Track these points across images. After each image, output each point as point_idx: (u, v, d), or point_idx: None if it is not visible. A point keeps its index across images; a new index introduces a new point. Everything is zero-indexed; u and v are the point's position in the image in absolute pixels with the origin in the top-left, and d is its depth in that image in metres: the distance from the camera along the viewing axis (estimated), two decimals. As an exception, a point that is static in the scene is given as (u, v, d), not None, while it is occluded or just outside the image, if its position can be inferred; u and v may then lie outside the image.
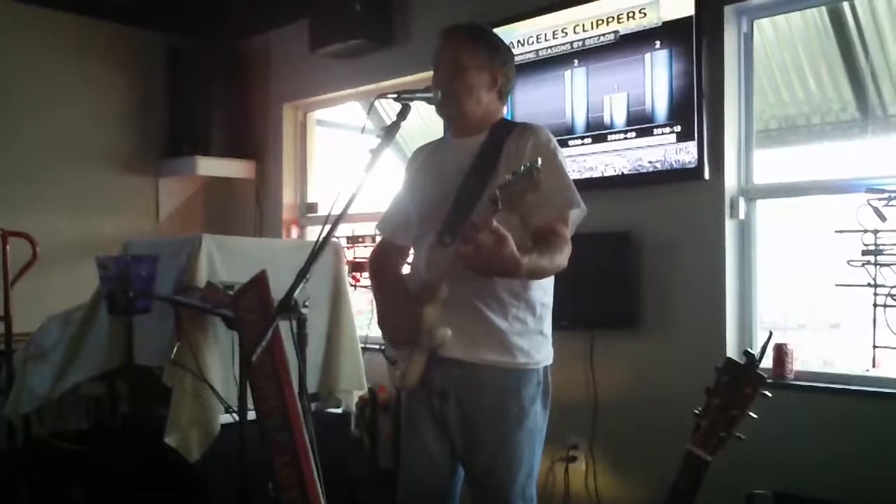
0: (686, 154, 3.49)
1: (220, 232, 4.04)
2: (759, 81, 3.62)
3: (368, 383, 3.98)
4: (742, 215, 3.52)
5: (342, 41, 4.70)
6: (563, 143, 3.76)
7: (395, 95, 2.31)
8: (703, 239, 3.53)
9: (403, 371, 2.41)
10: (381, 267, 2.66)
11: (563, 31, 3.90)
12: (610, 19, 3.73)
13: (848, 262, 3.13)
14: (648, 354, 3.66)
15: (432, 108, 2.43)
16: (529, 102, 4.00)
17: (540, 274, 2.25)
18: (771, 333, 1.76)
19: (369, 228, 4.59)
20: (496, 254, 1.95)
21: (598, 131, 3.78)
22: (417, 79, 4.31)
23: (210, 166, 5.45)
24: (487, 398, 2.37)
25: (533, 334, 2.40)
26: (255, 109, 5.65)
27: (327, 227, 2.09)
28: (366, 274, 4.51)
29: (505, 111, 2.56)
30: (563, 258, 2.26)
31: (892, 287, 3.07)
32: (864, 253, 3.11)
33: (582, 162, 3.80)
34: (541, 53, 3.98)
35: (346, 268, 4.00)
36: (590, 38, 3.80)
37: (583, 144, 3.82)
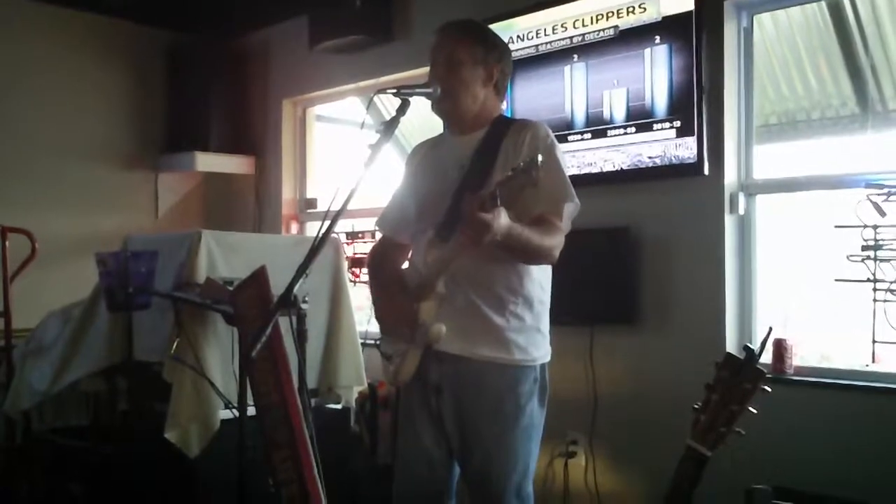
0: (686, 149, 3.49)
1: (220, 228, 4.04)
2: (759, 76, 3.62)
3: (368, 379, 3.98)
4: (742, 210, 3.52)
5: (341, 36, 4.70)
6: (563, 139, 3.76)
7: (394, 90, 2.32)
8: (702, 234, 3.53)
9: (397, 366, 2.41)
10: (381, 264, 2.66)
11: (562, 27, 3.89)
12: (609, 14, 3.72)
13: (847, 257, 3.13)
14: (648, 350, 3.66)
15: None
16: (529, 98, 3.99)
17: (526, 244, 2.23)
18: (770, 328, 1.77)
19: (369, 224, 4.59)
20: (495, 223, 2.01)
21: (597, 126, 3.77)
22: (417, 74, 4.30)
23: (209, 162, 5.45)
24: (483, 395, 2.37)
25: (530, 331, 2.40)
26: (255, 105, 5.64)
27: (327, 222, 2.09)
28: (365, 269, 4.51)
29: (504, 107, 2.57)
30: (553, 242, 2.27)
31: (891, 282, 3.07)
32: (864, 248, 3.11)
33: (581, 157, 3.79)
34: (540, 49, 3.98)
35: (345, 263, 3.99)
36: (589, 33, 3.80)
37: (582, 140, 3.82)
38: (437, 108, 2.44)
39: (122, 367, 3.53)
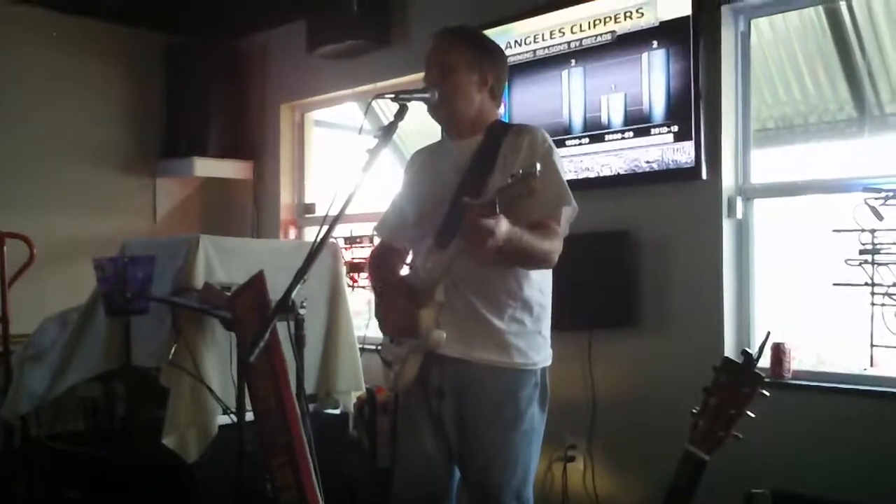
0: (683, 154, 3.49)
1: (218, 232, 4.03)
2: (757, 81, 3.62)
3: (366, 384, 3.98)
4: (739, 215, 3.53)
5: (339, 41, 4.70)
6: (561, 143, 3.76)
7: (392, 95, 2.32)
8: (700, 238, 3.53)
9: (398, 372, 2.41)
10: (380, 267, 2.67)
11: (560, 31, 3.90)
12: (607, 19, 3.73)
13: (845, 261, 3.13)
14: (646, 354, 3.66)
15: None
16: (526, 102, 4.00)
17: (526, 250, 2.24)
18: (769, 333, 1.77)
19: (367, 229, 4.59)
20: (496, 229, 2.03)
21: (595, 131, 3.78)
22: (415, 79, 4.30)
23: (207, 167, 5.45)
24: (484, 399, 2.37)
25: (531, 335, 2.40)
26: (253, 110, 5.64)
27: (325, 227, 2.09)
28: (363, 275, 4.52)
29: (500, 112, 2.57)
30: (551, 247, 2.28)
31: (889, 286, 3.07)
32: (862, 252, 3.11)
33: (579, 162, 3.79)
34: (538, 53, 3.98)
35: (343, 268, 4.00)
36: (587, 37, 3.80)
37: (580, 144, 3.82)
38: (434, 112, 2.45)
39: (119, 372, 3.53)
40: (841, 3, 3.44)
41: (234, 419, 2.92)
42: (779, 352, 3.32)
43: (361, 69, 4.88)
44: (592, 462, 3.80)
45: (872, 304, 3.10)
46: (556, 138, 2.52)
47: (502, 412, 2.36)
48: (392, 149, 4.78)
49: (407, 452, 2.52)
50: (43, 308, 4.11)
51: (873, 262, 3.09)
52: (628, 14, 3.66)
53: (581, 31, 3.82)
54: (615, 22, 3.70)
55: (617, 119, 3.71)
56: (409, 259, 2.65)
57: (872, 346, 3.12)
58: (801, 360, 3.39)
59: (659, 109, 3.57)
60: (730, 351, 3.43)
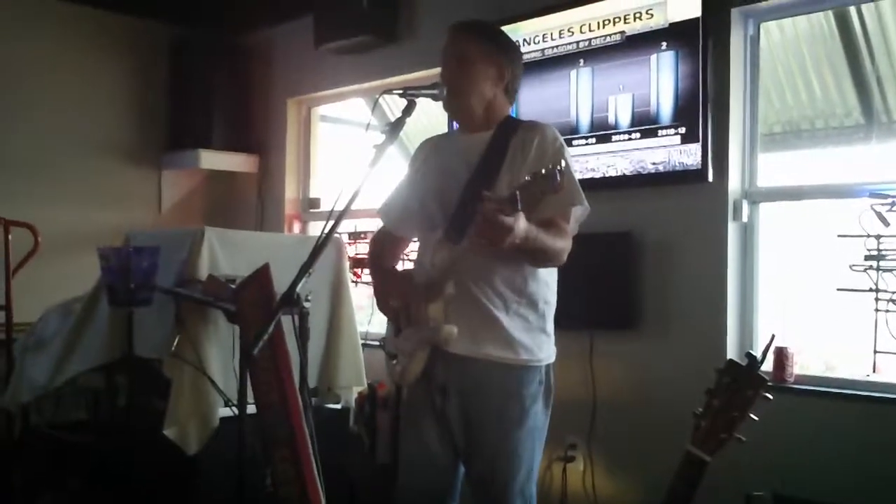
0: (690, 156, 3.49)
1: (222, 225, 4.03)
2: (765, 85, 3.62)
3: (368, 379, 3.97)
4: (745, 218, 3.52)
5: (347, 37, 4.70)
6: (568, 143, 3.72)
7: (400, 92, 2.32)
8: (705, 241, 3.52)
9: (404, 366, 2.41)
10: (382, 252, 2.68)
11: (569, 31, 3.90)
12: (616, 20, 3.73)
13: (850, 266, 3.13)
14: (648, 355, 3.66)
15: (437, 105, 2.44)
16: (534, 101, 3.99)
17: (540, 248, 2.23)
18: (773, 336, 1.77)
19: (371, 225, 4.59)
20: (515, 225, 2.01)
21: (602, 131, 3.77)
22: (422, 75, 4.30)
23: (213, 160, 5.45)
24: (489, 396, 2.37)
25: (536, 331, 2.40)
26: (259, 104, 5.64)
27: (331, 222, 2.09)
28: (367, 270, 4.52)
29: (511, 110, 2.57)
30: (562, 245, 2.29)
31: (893, 292, 3.07)
32: (867, 258, 3.11)
33: (584, 162, 3.79)
34: (546, 53, 3.98)
35: (347, 264, 3.99)
36: (596, 38, 3.80)
37: (587, 144, 3.82)
38: (447, 105, 2.45)
39: (122, 363, 3.53)
40: (851, 8, 3.43)
41: (236, 412, 2.92)
42: (782, 356, 3.32)
43: (369, 65, 4.88)
44: (592, 462, 3.80)
45: (877, 310, 3.10)
46: (563, 138, 2.51)
47: (507, 409, 2.36)
48: (398, 145, 4.77)
49: (410, 448, 2.52)
50: (46, 297, 4.11)
51: (878, 268, 3.10)
52: (638, 15, 3.65)
53: (590, 31, 3.82)
54: (624, 22, 3.70)
55: (624, 120, 3.71)
56: (410, 251, 2.65)
57: (876, 352, 3.12)
58: (803, 365, 3.39)
59: (666, 111, 3.56)
60: (732, 353, 3.43)
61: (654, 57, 3.60)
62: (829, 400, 3.20)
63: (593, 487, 3.79)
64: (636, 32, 3.66)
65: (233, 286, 3.08)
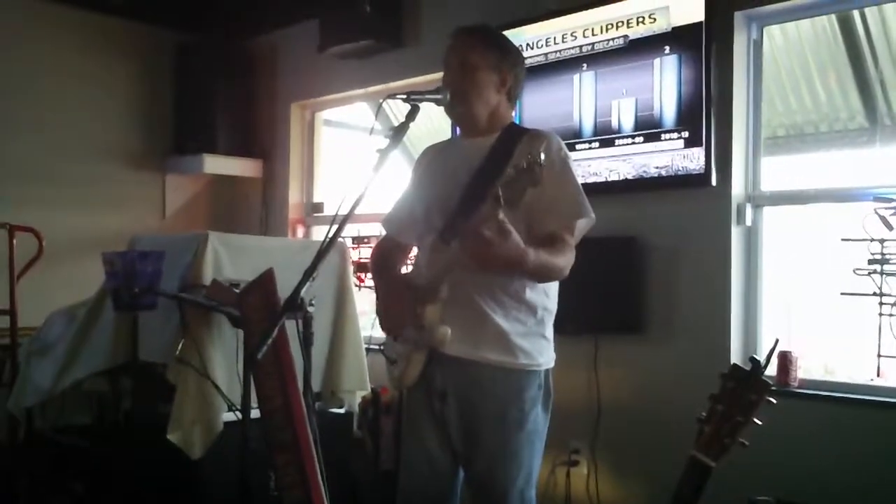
0: (693, 160, 3.49)
1: (226, 230, 4.04)
2: (768, 88, 3.62)
3: (371, 384, 3.98)
4: (749, 222, 3.52)
5: (351, 41, 4.71)
6: (571, 147, 3.76)
7: (403, 96, 2.32)
8: (709, 245, 3.52)
9: (402, 370, 2.41)
10: (385, 261, 2.67)
11: (572, 35, 3.90)
12: (619, 24, 3.73)
13: (854, 270, 3.13)
14: (652, 360, 3.66)
15: (440, 109, 2.44)
16: (537, 106, 4.00)
17: (545, 271, 2.27)
18: (777, 340, 1.76)
19: (375, 229, 4.60)
20: (500, 243, 2.02)
21: (605, 136, 3.77)
22: (426, 80, 4.31)
23: (217, 164, 5.46)
24: (488, 400, 2.37)
25: (534, 336, 2.40)
26: (263, 108, 5.65)
27: (334, 227, 2.09)
28: (370, 275, 4.52)
29: (514, 115, 2.57)
30: (566, 261, 2.29)
31: (897, 296, 3.07)
32: (871, 262, 3.10)
33: (587, 167, 3.79)
34: (550, 57, 3.98)
35: (351, 268, 4.00)
36: (599, 42, 3.80)
37: (590, 149, 3.82)
38: (450, 111, 2.45)
39: (126, 368, 3.54)
40: (854, 11, 3.43)
41: (240, 416, 2.92)
42: (785, 360, 3.32)
43: (373, 69, 4.88)
44: (596, 467, 3.80)
45: (880, 314, 3.10)
46: (566, 142, 2.51)
47: (506, 413, 2.36)
48: (401, 150, 4.77)
49: (410, 452, 2.51)
50: (50, 302, 4.11)
51: (882, 272, 3.09)
52: (641, 19, 3.66)
53: (593, 35, 3.82)
54: (627, 27, 3.70)
55: (627, 124, 3.71)
56: (413, 256, 2.65)
57: (880, 356, 3.11)
58: (808, 370, 3.39)
59: (670, 115, 3.56)
60: (736, 358, 3.43)
61: (657, 61, 3.60)
62: (833, 404, 3.20)
63: (597, 492, 3.78)
64: (639, 37, 3.67)
65: (237, 291, 3.08)
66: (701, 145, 3.47)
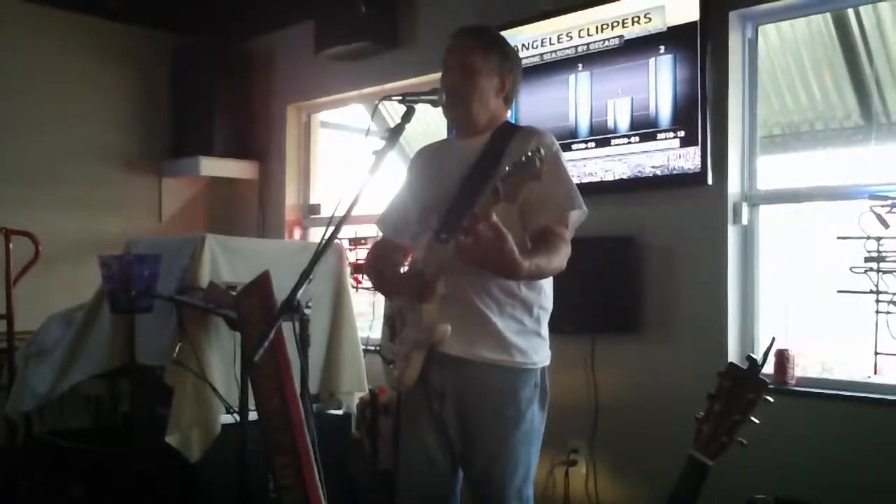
0: (689, 159, 3.50)
1: (223, 232, 4.04)
2: (764, 87, 3.62)
3: (369, 385, 3.98)
4: (745, 221, 3.52)
5: (347, 43, 4.71)
6: (567, 147, 3.77)
7: (399, 98, 2.32)
8: (705, 244, 3.53)
9: (401, 371, 2.41)
10: (379, 259, 2.68)
11: (567, 36, 3.90)
12: (615, 24, 3.73)
13: (850, 268, 3.13)
14: (650, 359, 3.66)
15: (436, 110, 2.45)
16: (533, 106, 4.00)
17: (539, 276, 2.30)
18: (774, 338, 1.77)
19: (372, 231, 4.59)
20: (496, 249, 2.02)
21: (601, 135, 3.78)
22: (422, 81, 4.31)
23: (213, 167, 5.46)
24: (485, 398, 2.37)
25: (530, 335, 2.41)
26: (259, 110, 5.65)
27: (331, 228, 2.09)
28: (367, 276, 4.52)
29: (508, 115, 2.58)
30: (561, 259, 2.30)
31: (894, 294, 3.07)
32: (867, 260, 3.11)
33: (583, 167, 3.80)
34: (545, 57, 3.98)
35: (348, 269, 4.00)
36: (594, 42, 3.80)
37: (586, 149, 3.82)
38: (448, 112, 2.45)
39: (123, 371, 3.54)
40: (849, 10, 3.44)
41: (238, 418, 2.92)
42: (782, 358, 3.32)
43: (368, 71, 4.88)
44: (595, 466, 3.80)
45: (877, 311, 3.10)
46: (562, 142, 2.52)
47: (503, 412, 2.37)
48: (397, 151, 4.78)
49: (409, 452, 2.52)
50: (47, 306, 4.11)
51: (878, 270, 3.10)
52: (636, 19, 3.66)
53: (589, 35, 3.82)
54: (623, 27, 3.71)
55: (623, 124, 3.71)
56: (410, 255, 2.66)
57: (876, 353, 3.12)
58: (805, 368, 3.39)
59: (665, 114, 3.57)
60: (734, 357, 3.43)
61: (652, 61, 3.61)
62: (830, 402, 3.20)
63: (595, 491, 3.79)
64: (635, 36, 3.67)
65: (234, 293, 3.08)
66: (697, 144, 3.47)
